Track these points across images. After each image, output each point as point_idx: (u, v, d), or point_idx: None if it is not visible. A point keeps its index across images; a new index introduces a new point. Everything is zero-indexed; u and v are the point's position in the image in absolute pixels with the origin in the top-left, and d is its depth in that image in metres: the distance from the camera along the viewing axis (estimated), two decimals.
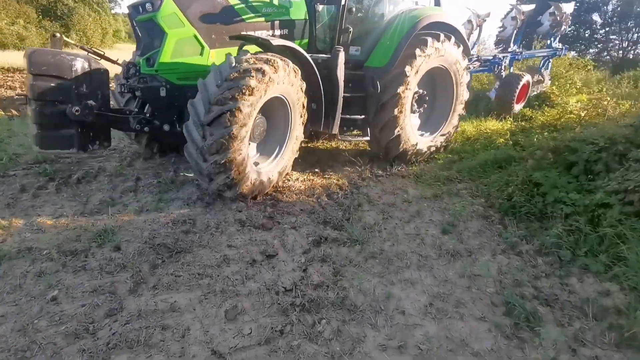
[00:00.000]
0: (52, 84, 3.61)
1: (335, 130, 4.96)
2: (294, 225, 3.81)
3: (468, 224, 4.15)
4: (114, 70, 4.95)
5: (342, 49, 4.79)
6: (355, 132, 5.65)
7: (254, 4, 4.53)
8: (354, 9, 5.09)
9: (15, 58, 18.89)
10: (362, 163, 5.85)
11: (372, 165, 5.86)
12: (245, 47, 4.44)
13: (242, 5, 4.46)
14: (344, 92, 4.90)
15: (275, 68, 3.83)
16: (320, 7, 5.19)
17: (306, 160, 5.68)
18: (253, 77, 3.61)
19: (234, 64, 3.68)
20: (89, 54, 4.25)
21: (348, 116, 5.16)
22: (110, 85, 4.36)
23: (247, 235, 3.56)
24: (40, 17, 33.70)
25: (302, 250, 3.39)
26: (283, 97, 4.22)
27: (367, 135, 5.61)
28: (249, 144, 3.98)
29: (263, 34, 4.61)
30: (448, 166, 6.04)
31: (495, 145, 6.53)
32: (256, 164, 4.32)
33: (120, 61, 4.74)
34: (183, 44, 4.14)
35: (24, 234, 3.27)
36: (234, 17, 4.41)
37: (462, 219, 4.21)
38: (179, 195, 4.32)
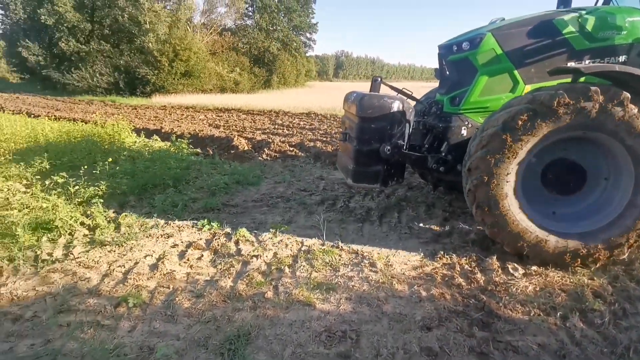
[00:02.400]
0: (373, 125, 3.87)
1: None
2: None
3: None
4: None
5: None
6: None
7: (589, 29, 3.66)
8: None
9: (230, 100, 22.36)
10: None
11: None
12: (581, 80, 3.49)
13: (575, 34, 3.68)
14: None
15: (573, 99, 2.96)
16: None
17: None
18: (530, 107, 3.06)
19: (518, 97, 3.38)
20: (399, 94, 4.32)
21: None
22: None
23: None
24: (252, 64, 40.67)
25: None
26: (611, 140, 3.16)
27: None
28: (512, 188, 3.28)
29: (598, 63, 3.73)
30: None
31: None
32: (547, 219, 3.48)
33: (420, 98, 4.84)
34: (494, 82, 3.88)
35: (155, 321, 2.61)
36: (562, 48, 3.74)
37: None
38: (339, 280, 3.17)
